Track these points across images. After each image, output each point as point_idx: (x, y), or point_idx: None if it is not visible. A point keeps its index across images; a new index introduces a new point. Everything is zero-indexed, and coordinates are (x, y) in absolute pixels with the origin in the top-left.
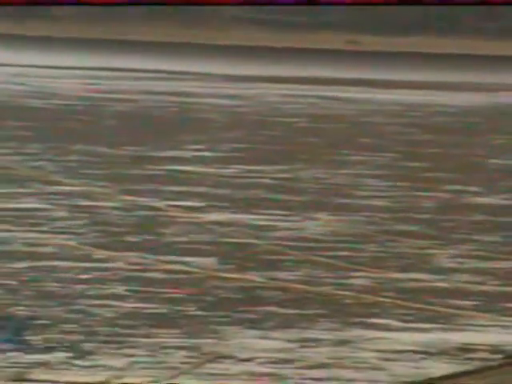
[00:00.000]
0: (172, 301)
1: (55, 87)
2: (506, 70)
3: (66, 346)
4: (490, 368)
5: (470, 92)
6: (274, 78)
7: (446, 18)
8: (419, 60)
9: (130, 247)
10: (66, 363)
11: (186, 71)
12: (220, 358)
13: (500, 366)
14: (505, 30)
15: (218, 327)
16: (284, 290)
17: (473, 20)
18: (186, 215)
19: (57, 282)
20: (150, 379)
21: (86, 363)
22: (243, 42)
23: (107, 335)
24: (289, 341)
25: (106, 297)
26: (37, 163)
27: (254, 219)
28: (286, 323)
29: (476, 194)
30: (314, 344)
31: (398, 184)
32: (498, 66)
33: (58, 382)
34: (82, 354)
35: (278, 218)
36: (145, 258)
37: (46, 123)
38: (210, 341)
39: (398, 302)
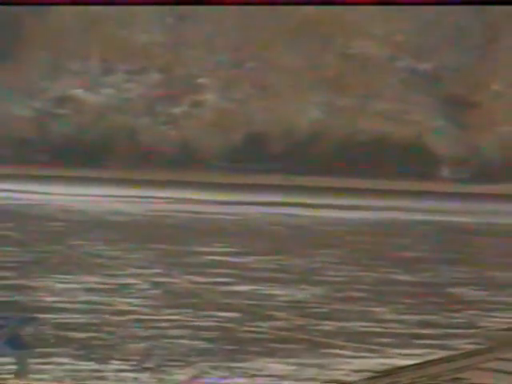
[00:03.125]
0: (213, 340)
1: (126, 208)
2: (388, 198)
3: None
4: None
5: (365, 211)
6: (251, 202)
7: (352, 164)
8: (329, 192)
9: (187, 306)
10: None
11: (198, 199)
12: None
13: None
14: (392, 174)
15: (244, 356)
16: (280, 334)
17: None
18: (220, 287)
19: (142, 326)
20: None
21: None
22: (225, 181)
23: (174, 358)
24: (287, 364)
25: (172, 337)
26: (129, 255)
27: (263, 289)
28: (284, 354)
29: (397, 273)
30: (303, 366)
31: (349, 267)
32: (383, 195)
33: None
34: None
35: (278, 288)
36: (194, 314)
37: (126, 231)
38: (239, 364)
39: (351, 341)
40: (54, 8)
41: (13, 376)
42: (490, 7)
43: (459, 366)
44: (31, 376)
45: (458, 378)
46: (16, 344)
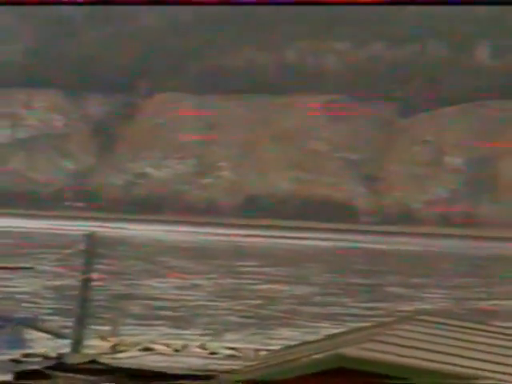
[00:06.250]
0: (247, 317)
1: (183, 238)
2: (333, 234)
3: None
4: None
5: (323, 241)
6: (254, 235)
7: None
8: (299, 229)
9: (231, 297)
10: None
11: (221, 233)
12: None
13: None
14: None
15: (266, 326)
16: (287, 314)
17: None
18: (250, 286)
19: (205, 309)
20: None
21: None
22: (235, 222)
23: (224, 328)
24: (293, 331)
25: (221, 315)
26: (196, 266)
27: (276, 287)
28: (291, 325)
29: (355, 277)
30: (302, 332)
31: (326, 274)
32: (329, 232)
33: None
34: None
35: (285, 286)
36: (235, 301)
37: (190, 251)
38: (264, 331)
39: (330, 319)
40: (135, 120)
41: (108, 334)
42: (388, 119)
43: (371, 333)
44: (137, 337)
45: (375, 340)
46: (16, 343)
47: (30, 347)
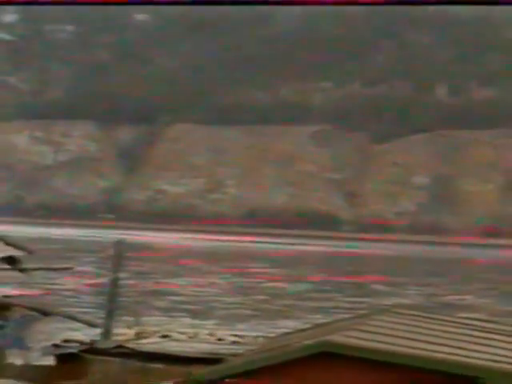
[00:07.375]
0: (256, 309)
1: (198, 244)
2: (320, 240)
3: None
4: None
5: (314, 246)
6: (258, 241)
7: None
8: (294, 237)
9: (242, 293)
10: None
11: (231, 239)
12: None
13: None
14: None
15: (271, 317)
16: (288, 308)
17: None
18: (258, 284)
19: (220, 303)
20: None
21: (227, 327)
22: (240, 231)
23: (235, 319)
24: (293, 322)
25: (234, 308)
26: (211, 268)
27: (279, 285)
28: (291, 317)
29: (343, 276)
30: (302, 323)
31: (320, 274)
32: (319, 239)
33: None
34: (228, 323)
35: (287, 284)
36: (245, 297)
37: (205, 255)
38: (269, 321)
39: (322, 312)
40: (157, 146)
41: (132, 324)
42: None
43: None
44: (158, 327)
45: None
46: (18, 344)
47: (28, 346)
